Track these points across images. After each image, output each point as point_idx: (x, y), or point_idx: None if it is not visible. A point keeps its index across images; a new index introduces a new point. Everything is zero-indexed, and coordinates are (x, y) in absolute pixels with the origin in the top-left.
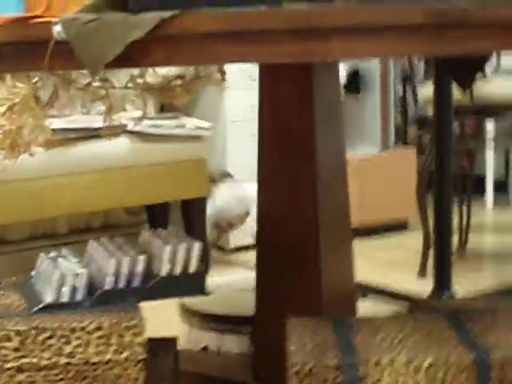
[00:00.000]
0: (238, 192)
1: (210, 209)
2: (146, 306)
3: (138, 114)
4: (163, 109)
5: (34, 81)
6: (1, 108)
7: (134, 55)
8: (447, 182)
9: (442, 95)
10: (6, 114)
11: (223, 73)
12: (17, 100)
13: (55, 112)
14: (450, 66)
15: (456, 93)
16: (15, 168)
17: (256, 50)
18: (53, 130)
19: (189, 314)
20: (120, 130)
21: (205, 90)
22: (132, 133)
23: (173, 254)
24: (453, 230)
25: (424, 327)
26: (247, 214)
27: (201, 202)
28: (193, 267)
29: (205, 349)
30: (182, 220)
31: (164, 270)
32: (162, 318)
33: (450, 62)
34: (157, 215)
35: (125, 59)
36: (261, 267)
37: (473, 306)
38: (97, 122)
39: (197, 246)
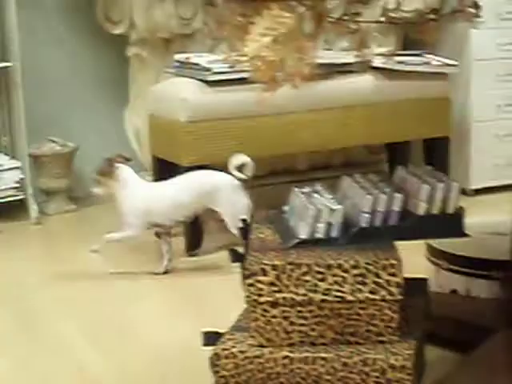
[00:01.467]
0: None
1: None
2: None
3: (382, 50)
4: (405, 46)
5: (300, 11)
6: (265, 38)
7: None
8: None
9: None
10: (269, 45)
11: (477, 7)
12: (282, 30)
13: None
14: None
15: None
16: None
17: None
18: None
19: (437, 255)
20: (369, 66)
21: (450, 26)
22: (376, 69)
23: (431, 193)
24: None
25: None
26: None
27: (444, 142)
28: (451, 208)
29: (453, 292)
30: (423, 160)
31: (421, 209)
32: (408, 258)
33: None
34: (397, 154)
35: None
36: None
37: None
38: (341, 57)
39: (455, 187)
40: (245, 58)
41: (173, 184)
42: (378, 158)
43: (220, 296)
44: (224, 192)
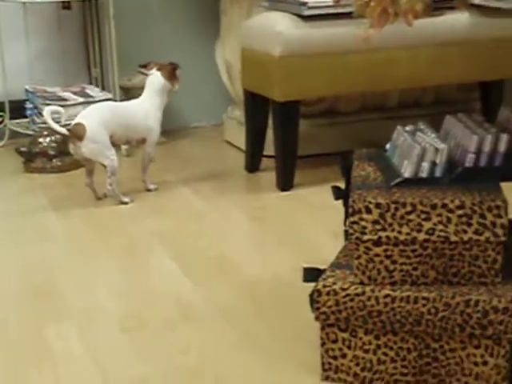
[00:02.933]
0: None
1: None
2: None
3: None
4: None
5: None
6: None
7: None
8: None
9: None
10: None
11: None
12: None
13: None
14: None
15: None
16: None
17: None
18: None
19: None
20: (470, 3)
21: None
22: (473, 6)
23: None
24: None
25: None
26: None
27: None
28: None
29: None
30: None
31: None
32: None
33: None
34: (490, 92)
35: None
36: None
37: None
38: None
39: None
40: None
41: None
42: (470, 96)
43: (313, 232)
44: None
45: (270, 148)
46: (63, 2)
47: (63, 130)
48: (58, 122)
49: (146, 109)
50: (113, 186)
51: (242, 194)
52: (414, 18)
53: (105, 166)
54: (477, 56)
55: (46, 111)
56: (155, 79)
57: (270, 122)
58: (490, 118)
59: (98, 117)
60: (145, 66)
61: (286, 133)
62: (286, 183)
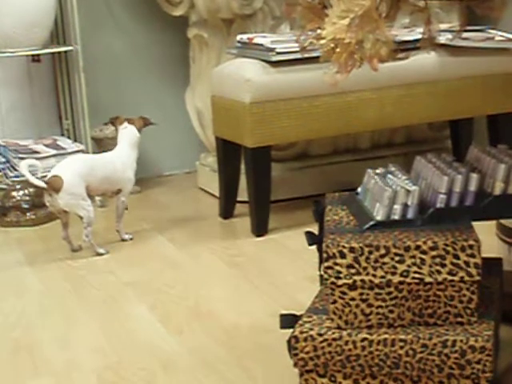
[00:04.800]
0: None
1: None
2: None
3: (445, 26)
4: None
5: None
6: (343, 21)
7: None
8: None
9: None
10: (346, 27)
11: None
12: (359, 12)
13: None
14: None
15: None
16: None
17: None
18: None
19: (509, 233)
20: (437, 43)
21: None
22: (440, 45)
23: (507, 172)
24: None
25: None
26: None
27: (509, 118)
28: None
29: None
30: (487, 136)
31: (498, 188)
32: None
33: None
34: (460, 131)
35: None
36: None
37: None
38: (406, 35)
39: None
40: (322, 41)
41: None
42: (441, 134)
43: (289, 276)
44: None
45: (243, 193)
46: (33, 55)
47: (41, 183)
48: (34, 175)
49: (123, 161)
50: (89, 237)
51: (217, 240)
52: (379, 62)
53: (81, 217)
54: (446, 95)
55: (23, 165)
56: (130, 132)
57: (243, 167)
58: (460, 156)
59: (74, 169)
60: (115, 119)
61: (258, 178)
62: (260, 228)
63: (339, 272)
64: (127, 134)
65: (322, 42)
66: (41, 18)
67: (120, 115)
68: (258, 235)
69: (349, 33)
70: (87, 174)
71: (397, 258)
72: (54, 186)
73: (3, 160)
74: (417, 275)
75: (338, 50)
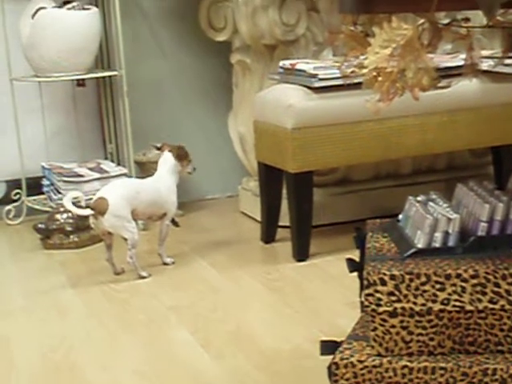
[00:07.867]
0: None
1: None
2: None
3: (487, 53)
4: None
5: (419, 22)
6: (385, 50)
7: None
8: None
9: None
10: (388, 57)
11: None
12: (401, 42)
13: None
14: None
15: None
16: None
17: None
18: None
19: None
20: (477, 70)
21: None
22: (482, 72)
23: None
24: None
25: None
26: None
27: None
28: None
29: None
30: None
31: None
32: None
33: None
34: (502, 156)
35: None
36: None
37: None
38: (448, 61)
39: None
40: (364, 70)
41: None
42: (483, 161)
43: (330, 302)
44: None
45: (285, 218)
46: (78, 80)
47: (86, 212)
48: (79, 206)
49: (167, 185)
50: (133, 259)
51: (258, 265)
52: (420, 91)
53: (125, 239)
54: (488, 122)
55: (66, 199)
56: (167, 160)
57: (285, 192)
58: (502, 182)
59: (119, 191)
60: (159, 148)
61: (300, 203)
62: (301, 253)
63: (380, 299)
64: (164, 161)
65: (365, 70)
66: (86, 43)
67: (165, 142)
68: (299, 260)
69: (391, 62)
70: (133, 198)
71: (437, 286)
72: (100, 208)
73: (48, 183)
74: (457, 303)
75: (380, 78)
